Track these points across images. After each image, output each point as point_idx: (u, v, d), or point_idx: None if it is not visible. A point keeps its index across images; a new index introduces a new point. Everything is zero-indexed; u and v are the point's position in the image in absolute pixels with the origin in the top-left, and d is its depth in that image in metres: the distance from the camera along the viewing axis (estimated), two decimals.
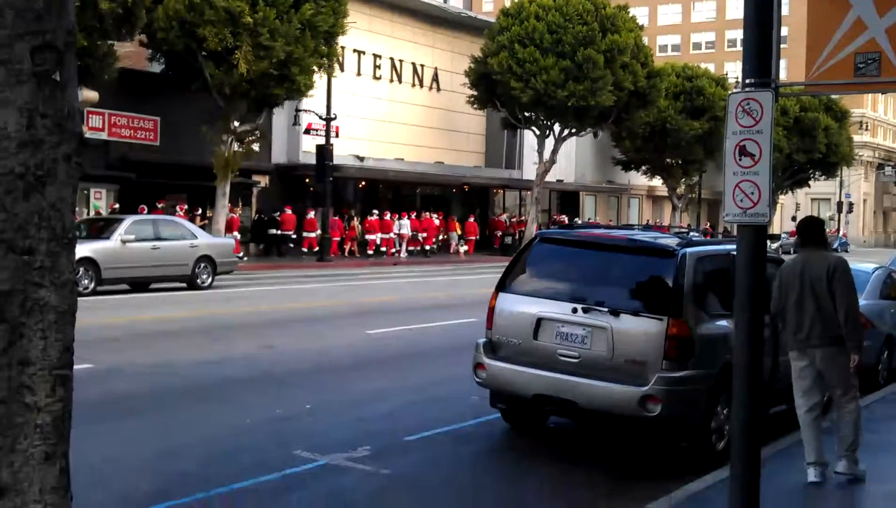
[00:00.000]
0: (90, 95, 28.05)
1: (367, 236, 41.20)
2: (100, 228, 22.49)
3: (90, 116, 31.35)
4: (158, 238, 22.79)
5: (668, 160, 54.27)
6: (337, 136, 37.95)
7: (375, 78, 45.16)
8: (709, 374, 8.17)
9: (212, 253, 24.03)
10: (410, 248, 42.85)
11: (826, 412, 8.53)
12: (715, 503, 6.89)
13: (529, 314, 8.74)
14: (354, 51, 43.20)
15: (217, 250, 24.42)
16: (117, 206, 30.84)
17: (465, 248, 45.69)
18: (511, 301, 8.99)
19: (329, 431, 9.12)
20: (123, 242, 21.63)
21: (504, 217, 49.98)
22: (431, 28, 48.04)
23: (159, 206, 32.67)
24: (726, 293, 8.13)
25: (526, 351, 8.70)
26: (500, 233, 48.91)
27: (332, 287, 26.06)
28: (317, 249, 38.01)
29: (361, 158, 41.94)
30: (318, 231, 38.35)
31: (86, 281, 20.07)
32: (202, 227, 30.49)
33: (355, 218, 42.01)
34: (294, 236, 38.49)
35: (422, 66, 47.77)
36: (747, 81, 6.53)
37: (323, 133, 36.87)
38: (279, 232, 38.02)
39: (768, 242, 7.05)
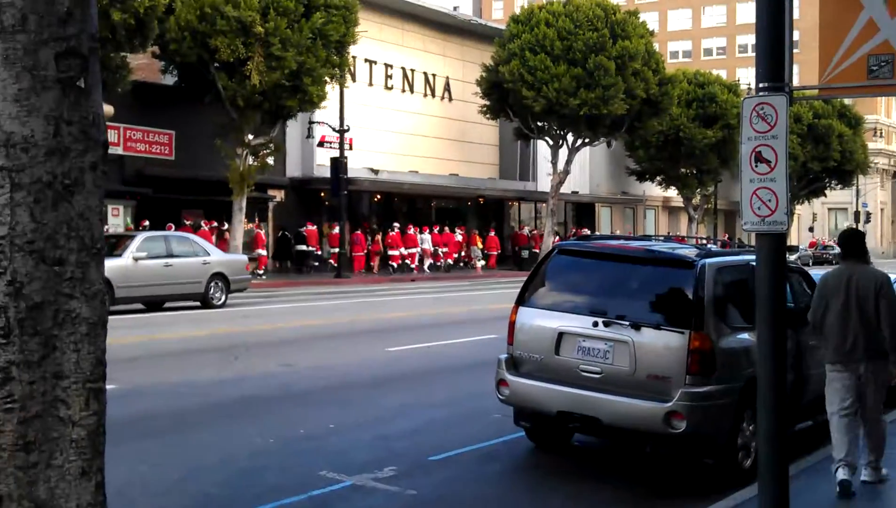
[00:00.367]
0: (106, 108, 28.13)
1: (390, 252, 41.15)
2: (111, 245, 22.08)
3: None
4: (170, 255, 22.45)
5: (683, 170, 54.04)
6: (351, 148, 37.98)
7: (387, 88, 45.22)
8: (733, 388, 8.06)
9: (225, 270, 23.67)
10: (431, 262, 42.92)
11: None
12: None
13: (550, 329, 8.65)
14: (366, 60, 43.29)
15: (230, 267, 24.05)
16: (147, 223, 30.84)
17: (483, 263, 45.64)
18: (531, 315, 8.90)
19: (353, 450, 9.05)
20: (135, 259, 21.23)
21: (526, 230, 49.84)
22: (442, 36, 48.11)
23: (187, 222, 32.86)
24: (747, 305, 8.04)
25: (548, 367, 8.61)
26: (520, 247, 48.80)
27: (350, 304, 26.02)
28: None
29: (376, 171, 41.97)
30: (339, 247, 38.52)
31: None
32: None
33: (378, 233, 42.01)
34: (318, 253, 38.48)
35: (433, 75, 47.82)
36: (761, 85, 6.46)
37: (336, 145, 36.90)
38: (306, 248, 37.98)
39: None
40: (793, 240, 73.13)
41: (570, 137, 44.60)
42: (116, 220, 31.69)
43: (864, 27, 6.42)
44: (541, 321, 8.79)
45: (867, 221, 79.72)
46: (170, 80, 33.80)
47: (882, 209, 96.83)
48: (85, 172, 2.83)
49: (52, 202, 2.77)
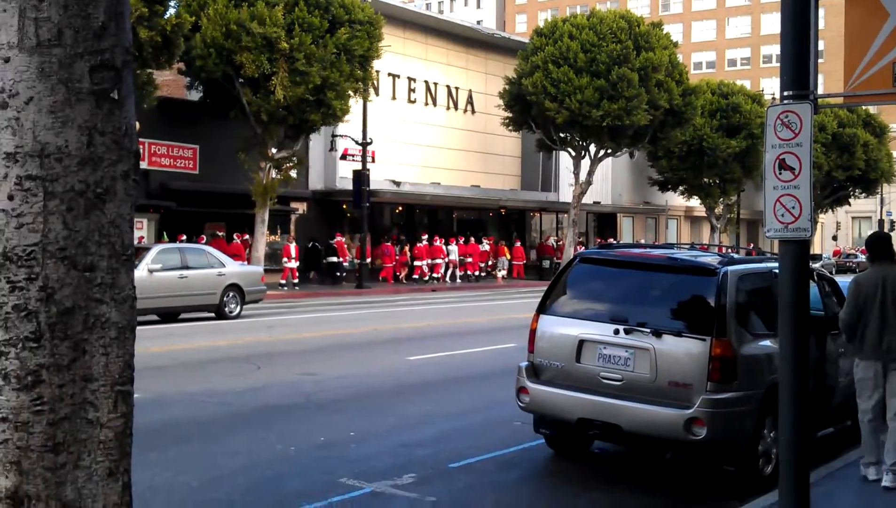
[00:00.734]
0: None
1: (416, 263, 41.42)
2: None
3: None
4: (185, 267, 22.51)
5: (706, 180, 53.83)
6: (373, 161, 38.14)
7: (410, 101, 45.38)
8: (754, 395, 8.08)
9: (240, 281, 23.68)
10: (458, 272, 43.17)
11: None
12: None
13: (571, 336, 8.69)
14: (389, 74, 43.47)
15: (245, 279, 24.05)
16: (184, 237, 31.07)
17: (503, 273, 45.72)
18: (552, 323, 8.95)
19: (373, 457, 9.11)
20: (150, 271, 21.28)
21: (551, 241, 49.87)
22: (465, 50, 48.24)
23: (220, 234, 33.21)
24: (769, 312, 8.08)
25: (569, 374, 8.65)
26: (542, 257, 49.00)
27: (371, 314, 26.11)
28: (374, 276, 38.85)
29: (398, 183, 42.11)
30: (370, 258, 38.97)
31: None
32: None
33: (406, 245, 42.24)
34: (346, 264, 38.73)
35: (456, 88, 47.95)
36: (785, 93, 6.49)
37: (359, 158, 37.07)
38: (336, 259, 38.27)
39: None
40: (816, 249, 72.68)
41: (592, 148, 44.55)
42: (140, 232, 31.93)
43: (889, 34, 6.44)
44: (562, 328, 8.84)
45: (891, 229, 79.02)
46: (195, 95, 34.11)
47: None
48: (117, 181, 2.91)
49: (84, 210, 2.84)
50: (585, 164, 44.88)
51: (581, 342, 8.60)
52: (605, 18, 42.74)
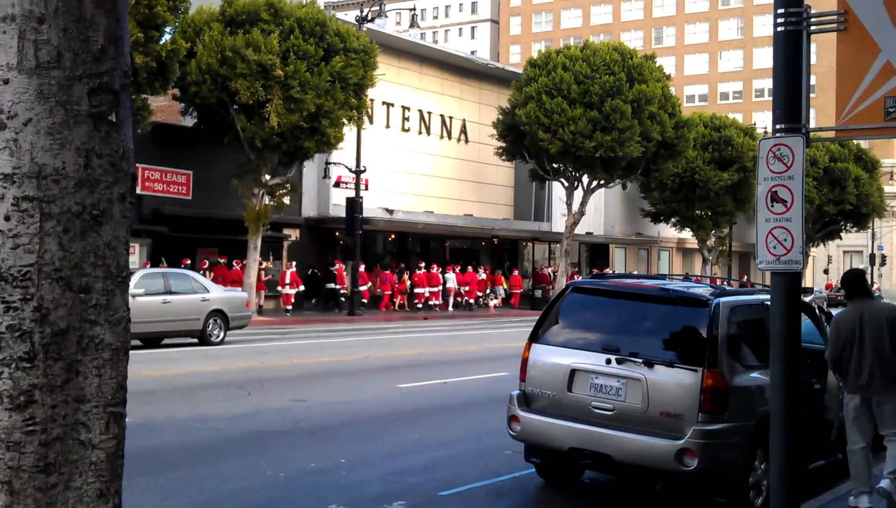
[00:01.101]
0: None
1: (417, 290, 41.62)
2: None
3: None
4: (169, 292, 22.21)
5: (698, 212, 54.05)
6: (367, 189, 38.21)
7: (404, 130, 45.54)
8: (746, 427, 8.08)
9: (224, 307, 23.35)
10: (453, 301, 43.41)
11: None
12: None
13: (563, 366, 8.69)
14: (383, 103, 43.64)
15: (229, 304, 23.72)
16: (189, 261, 30.98)
17: (496, 302, 45.79)
18: (544, 352, 8.95)
19: (364, 484, 9.08)
20: (133, 296, 20.79)
21: (548, 271, 50.00)
22: (459, 80, 48.48)
23: (221, 261, 33.27)
24: (761, 344, 8.11)
25: (560, 403, 8.64)
26: (534, 287, 49.22)
27: (362, 341, 26.05)
28: (365, 302, 39.08)
29: (391, 211, 42.17)
30: (369, 284, 39.32)
31: None
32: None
33: (406, 272, 42.31)
34: (344, 291, 38.83)
35: (450, 117, 48.14)
36: (778, 126, 6.54)
37: (352, 186, 37.14)
38: (335, 286, 38.28)
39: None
40: (807, 282, 72.81)
41: (585, 179, 44.71)
42: (133, 257, 31.88)
43: (881, 69, 6.50)
44: (553, 357, 8.83)
45: (882, 263, 79.40)
46: (189, 121, 34.17)
47: None
48: (113, 204, 2.92)
49: (80, 232, 2.85)
50: (578, 194, 45.01)
51: (573, 372, 8.60)
52: (599, 50, 43.01)
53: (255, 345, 23.34)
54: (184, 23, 29.78)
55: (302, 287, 36.47)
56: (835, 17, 6.68)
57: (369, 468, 9.84)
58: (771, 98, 6.46)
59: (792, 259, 6.44)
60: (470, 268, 44.90)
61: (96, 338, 2.91)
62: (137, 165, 23.97)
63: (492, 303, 45.53)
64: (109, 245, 2.92)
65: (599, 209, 53.85)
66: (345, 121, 33.14)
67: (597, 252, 56.78)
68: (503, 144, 44.41)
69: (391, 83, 42.22)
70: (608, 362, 8.40)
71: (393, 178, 44.06)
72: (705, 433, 7.85)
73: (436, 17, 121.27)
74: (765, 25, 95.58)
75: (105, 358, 2.93)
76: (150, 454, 9.95)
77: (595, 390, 8.45)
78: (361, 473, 9.58)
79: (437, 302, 42.32)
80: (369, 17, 37.66)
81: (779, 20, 6.58)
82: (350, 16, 41.27)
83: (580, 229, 48.33)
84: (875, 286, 66.05)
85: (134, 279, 21.57)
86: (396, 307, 41.25)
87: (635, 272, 50.38)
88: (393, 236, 45.03)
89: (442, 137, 47.86)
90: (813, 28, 6.69)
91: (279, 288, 35.89)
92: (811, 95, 6.80)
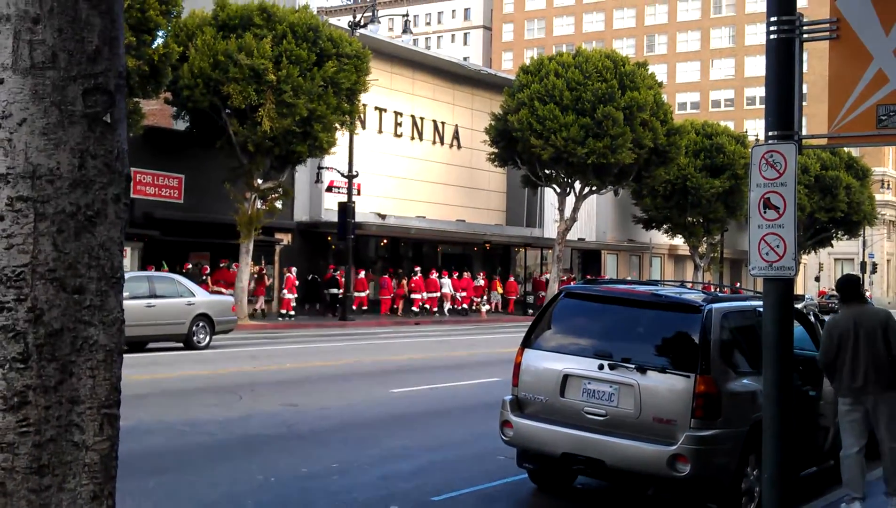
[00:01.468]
0: None
1: (414, 296, 41.69)
2: None
3: None
4: (153, 295, 21.95)
5: (690, 219, 54.18)
6: (359, 193, 38.21)
7: (396, 135, 45.55)
8: (738, 433, 8.09)
9: (209, 311, 23.09)
10: (449, 307, 43.56)
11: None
12: None
13: (555, 371, 8.68)
14: (376, 108, 43.66)
15: (215, 308, 23.47)
16: (190, 266, 30.90)
17: (487, 307, 45.82)
18: (537, 357, 8.94)
19: (355, 489, 9.06)
20: None
21: (546, 277, 50.07)
22: (452, 86, 48.52)
23: (222, 265, 33.38)
24: (753, 350, 8.12)
25: (553, 408, 8.63)
26: (527, 292, 49.29)
27: (354, 346, 26.02)
28: (364, 307, 39.39)
29: (383, 216, 42.18)
30: (368, 290, 39.57)
31: None
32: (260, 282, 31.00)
33: (404, 278, 42.39)
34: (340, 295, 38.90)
35: (442, 123, 48.18)
36: (770, 133, 6.56)
37: (344, 190, 37.14)
38: (337, 291, 38.32)
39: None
40: (799, 289, 73.00)
41: (577, 185, 44.79)
42: (125, 261, 31.76)
43: (873, 78, 6.52)
44: (546, 363, 8.83)
45: (873, 271, 79.63)
46: (181, 125, 34.14)
47: (889, 260, 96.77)
48: (108, 204, 2.91)
49: (74, 233, 2.84)
50: (570, 200, 45.08)
51: (565, 377, 8.60)
52: (591, 57, 43.10)
53: (247, 349, 23.30)
54: (176, 27, 29.79)
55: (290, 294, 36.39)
56: (827, 25, 6.71)
57: (361, 472, 9.82)
58: (762, 106, 6.52)
59: (784, 266, 6.46)
60: (467, 274, 44.96)
61: (90, 339, 2.89)
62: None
63: (484, 309, 45.55)
64: (103, 246, 2.91)
65: (591, 216, 53.94)
66: (337, 126, 33.14)
67: (589, 258, 56.84)
68: (495, 150, 44.46)
69: (384, 88, 42.25)
70: (601, 367, 8.41)
71: (385, 183, 44.06)
72: (698, 438, 7.85)
73: (428, 24, 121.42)
74: (756, 34, 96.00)
75: (99, 359, 2.92)
76: (141, 458, 9.91)
77: (588, 395, 8.45)
78: (353, 478, 9.56)
79: (434, 308, 42.39)
80: (362, 23, 37.68)
81: (771, 28, 6.60)
82: (343, 21, 41.26)
83: (572, 236, 48.39)
84: (867, 294, 66.25)
85: None
86: (399, 313, 41.26)
87: (629, 279, 50.50)
88: (385, 242, 45.02)
89: (434, 142, 47.88)
90: (805, 36, 6.71)
91: (290, 294, 35.95)
92: (803, 104, 6.82)
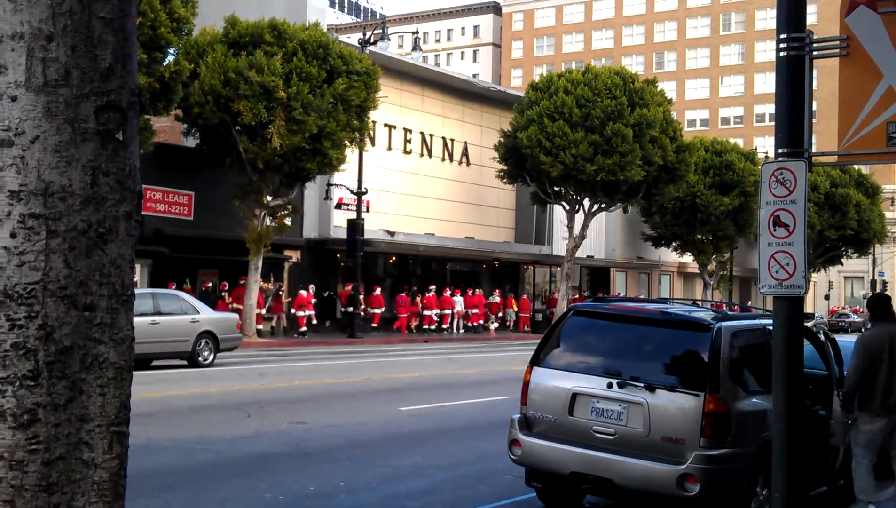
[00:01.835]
0: None
1: (426, 312, 41.80)
2: None
3: None
4: (158, 313, 21.84)
5: (699, 236, 54.09)
6: (368, 210, 38.25)
7: (406, 152, 45.63)
8: (748, 452, 8.04)
9: (214, 328, 22.98)
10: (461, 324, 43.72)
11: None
12: None
13: (564, 389, 8.65)
14: (385, 125, 43.75)
15: (219, 326, 23.36)
16: (210, 284, 30.93)
17: (496, 325, 45.82)
18: (545, 376, 8.91)
19: None
20: None
21: (558, 294, 50.16)
22: (461, 102, 48.62)
23: (241, 283, 33.54)
24: (763, 369, 8.08)
25: (561, 427, 8.60)
26: (535, 311, 49.42)
27: (363, 364, 26.00)
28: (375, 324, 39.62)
29: (392, 233, 42.22)
30: (383, 308, 39.87)
31: None
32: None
33: (419, 295, 42.52)
34: (360, 313, 38.91)
35: (451, 140, 48.25)
36: (780, 151, 6.54)
37: (354, 207, 37.19)
38: (353, 309, 38.34)
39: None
40: (808, 307, 72.72)
41: (586, 203, 44.77)
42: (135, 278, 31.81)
43: (883, 95, 6.51)
44: (555, 381, 8.80)
45: (883, 289, 79.29)
46: (191, 142, 34.25)
47: None
48: (119, 222, 2.91)
49: (86, 250, 2.84)
50: (579, 218, 45.04)
51: (574, 396, 8.56)
52: (600, 74, 43.16)
53: (255, 367, 23.27)
54: (187, 44, 29.95)
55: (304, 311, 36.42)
56: (837, 42, 6.71)
57: (369, 491, 9.79)
58: (772, 123, 6.52)
59: (794, 284, 6.44)
60: (479, 291, 45.08)
61: (100, 357, 2.89)
62: None
63: (492, 326, 45.50)
64: (115, 263, 2.91)
65: (600, 233, 53.88)
66: (347, 143, 33.23)
67: (598, 276, 56.76)
68: (504, 167, 44.48)
69: (393, 105, 42.35)
70: (609, 386, 8.37)
71: (394, 200, 44.11)
72: (707, 458, 7.81)
73: (438, 41, 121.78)
74: (766, 51, 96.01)
75: (109, 377, 2.92)
76: (149, 475, 9.90)
77: (596, 414, 8.41)
78: (361, 497, 9.53)
79: (445, 326, 42.55)
80: (372, 40, 37.83)
81: (781, 45, 6.60)
82: (353, 38, 41.40)
83: (581, 253, 48.32)
84: (865, 312, 66.00)
85: None
86: (415, 331, 41.36)
87: (641, 297, 50.42)
88: (394, 258, 45.04)
89: (443, 159, 47.95)
90: (815, 53, 6.71)
91: (294, 311, 35.95)
92: (813, 121, 6.81)
